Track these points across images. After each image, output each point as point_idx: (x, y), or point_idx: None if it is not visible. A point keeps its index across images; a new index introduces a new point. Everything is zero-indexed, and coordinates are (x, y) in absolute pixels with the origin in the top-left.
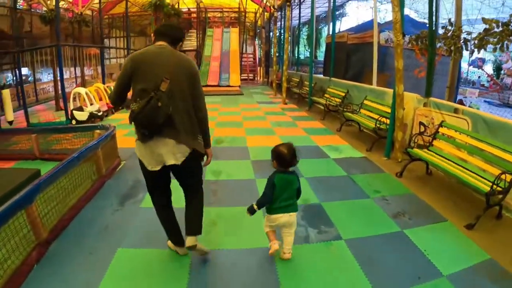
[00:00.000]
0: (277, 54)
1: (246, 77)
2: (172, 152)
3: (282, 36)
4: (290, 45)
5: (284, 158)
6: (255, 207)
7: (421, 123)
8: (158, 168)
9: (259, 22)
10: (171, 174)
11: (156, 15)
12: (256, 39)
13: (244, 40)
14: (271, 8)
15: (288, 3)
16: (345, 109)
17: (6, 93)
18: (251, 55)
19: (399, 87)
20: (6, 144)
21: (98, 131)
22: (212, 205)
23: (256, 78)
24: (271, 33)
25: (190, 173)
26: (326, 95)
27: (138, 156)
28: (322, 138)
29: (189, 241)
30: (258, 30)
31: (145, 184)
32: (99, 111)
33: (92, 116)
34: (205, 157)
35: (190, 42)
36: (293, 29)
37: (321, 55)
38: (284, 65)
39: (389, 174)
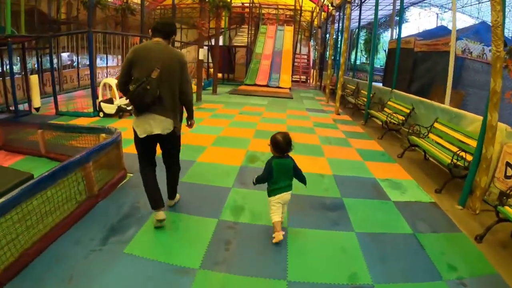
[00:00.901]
0: (332, 57)
1: (298, 79)
2: (158, 125)
3: (339, 38)
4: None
5: (280, 146)
6: (254, 181)
7: (508, 164)
8: (145, 135)
9: (315, 22)
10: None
11: (201, 6)
12: (312, 40)
13: (299, 40)
14: (329, 6)
15: (348, 2)
16: (410, 131)
17: (34, 79)
18: (305, 56)
19: (493, 115)
20: (17, 136)
21: (104, 135)
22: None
23: (308, 80)
24: (327, 35)
25: (173, 145)
26: (386, 109)
27: (133, 127)
28: (381, 166)
29: (169, 202)
30: (314, 31)
31: (138, 162)
32: (128, 104)
33: (121, 110)
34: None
35: (242, 38)
36: (350, 32)
37: (377, 62)
38: (340, 70)
39: (466, 236)
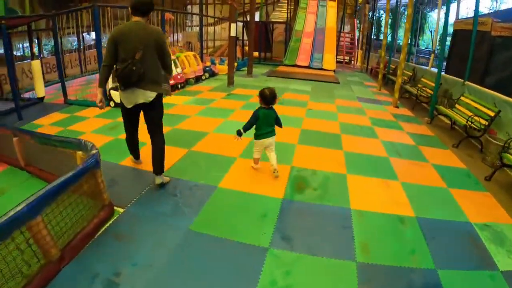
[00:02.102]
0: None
1: (342, 60)
2: (142, 95)
3: (382, 17)
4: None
5: (266, 98)
6: (242, 130)
7: None
8: (131, 105)
9: None
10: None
11: None
12: (356, 17)
13: (342, 18)
14: None
15: None
16: (504, 146)
17: (36, 65)
18: (349, 35)
19: None
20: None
21: (81, 152)
22: None
23: (352, 61)
24: (373, 12)
25: (156, 112)
26: (458, 106)
27: (120, 99)
28: (470, 198)
29: (156, 179)
30: (359, 7)
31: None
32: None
33: None
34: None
35: (280, 13)
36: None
37: (423, 44)
38: (402, 54)
39: None
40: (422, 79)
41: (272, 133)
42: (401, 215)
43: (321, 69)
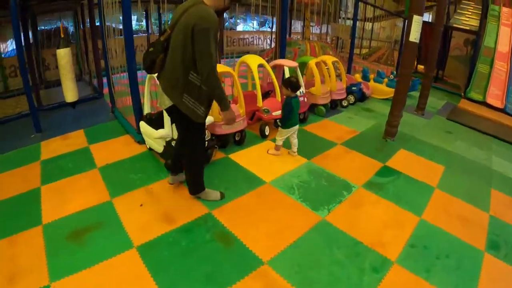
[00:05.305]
0: None
1: None
2: (160, 96)
3: None
4: None
5: (295, 83)
6: (280, 125)
7: None
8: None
9: None
10: None
11: None
12: None
13: None
14: None
15: None
16: None
17: (62, 54)
18: None
19: None
20: None
21: None
22: None
23: None
24: None
25: (180, 122)
26: None
27: None
28: None
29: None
30: None
31: None
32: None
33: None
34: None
35: (464, 17)
36: None
37: None
38: None
39: None
40: None
41: (298, 119)
42: None
43: None
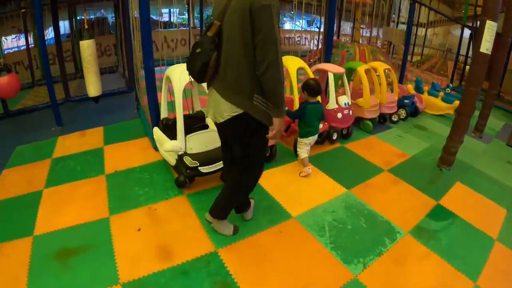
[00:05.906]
0: None
1: None
2: (212, 106)
3: None
4: None
5: (313, 88)
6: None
7: None
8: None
9: None
10: None
11: None
12: None
13: None
14: None
15: None
16: None
17: (85, 46)
18: None
19: None
20: None
21: None
22: None
23: None
24: None
25: (236, 138)
26: None
27: None
28: None
29: (206, 216)
30: None
31: None
32: None
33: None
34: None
35: None
36: None
37: None
38: None
39: None
40: None
41: (317, 130)
42: None
43: None
